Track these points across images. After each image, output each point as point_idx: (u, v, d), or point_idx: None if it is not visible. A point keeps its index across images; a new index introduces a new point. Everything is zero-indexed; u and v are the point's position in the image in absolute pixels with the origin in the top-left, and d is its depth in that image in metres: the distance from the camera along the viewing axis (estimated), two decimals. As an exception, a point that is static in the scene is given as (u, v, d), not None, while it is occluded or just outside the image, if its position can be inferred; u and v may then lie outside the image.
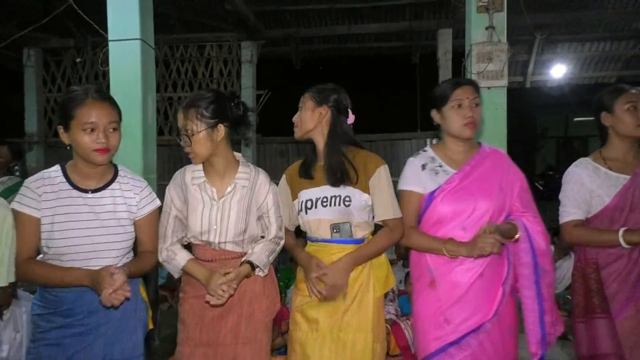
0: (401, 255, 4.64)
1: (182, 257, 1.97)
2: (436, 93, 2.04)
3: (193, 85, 7.11)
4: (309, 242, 2.13)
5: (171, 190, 2.02)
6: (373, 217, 2.08)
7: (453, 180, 1.98)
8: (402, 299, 4.04)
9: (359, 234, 2.03)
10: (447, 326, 1.94)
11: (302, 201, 2.08)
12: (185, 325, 2.01)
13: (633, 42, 6.83)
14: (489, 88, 3.49)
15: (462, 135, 2.00)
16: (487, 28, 3.48)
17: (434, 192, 1.98)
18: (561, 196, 2.20)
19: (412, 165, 2.06)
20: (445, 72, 6.56)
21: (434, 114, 2.06)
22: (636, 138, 2.14)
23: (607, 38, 6.99)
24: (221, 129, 1.94)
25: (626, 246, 2.03)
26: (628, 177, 2.10)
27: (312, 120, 2.08)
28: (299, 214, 2.10)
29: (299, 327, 2.05)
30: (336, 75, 8.57)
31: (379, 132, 7.05)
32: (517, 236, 1.92)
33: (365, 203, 2.01)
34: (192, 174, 2.02)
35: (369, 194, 2.01)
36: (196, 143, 1.92)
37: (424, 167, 2.03)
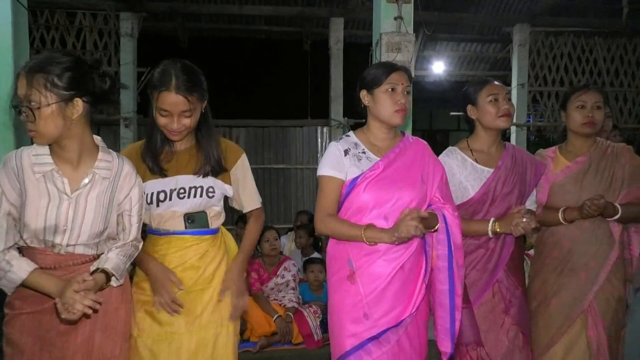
0: (301, 245, 4.60)
1: (21, 268, 1.54)
2: (370, 74, 1.95)
3: (62, 57, 6.29)
4: (153, 236, 1.91)
5: (1, 178, 1.56)
6: (229, 206, 2.06)
7: (377, 167, 1.90)
8: (302, 287, 4.03)
9: (214, 223, 1.95)
10: (366, 321, 1.85)
11: (152, 193, 1.85)
12: (18, 348, 1.61)
13: (501, 45, 7.52)
14: (396, 78, 3.55)
15: (391, 122, 1.93)
16: (395, 18, 3.53)
17: (356, 179, 1.88)
18: None
19: (334, 150, 1.94)
20: (336, 61, 6.63)
21: (364, 94, 1.96)
22: (498, 129, 2.22)
23: (479, 40, 7.62)
24: (78, 105, 1.57)
25: (492, 236, 2.11)
26: (491, 170, 2.18)
27: (197, 119, 1.85)
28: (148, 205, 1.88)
29: (146, 333, 1.82)
30: (225, 57, 8.26)
31: (269, 118, 6.91)
32: (437, 226, 1.90)
33: (223, 193, 1.96)
34: (34, 158, 1.59)
35: (230, 183, 1.96)
36: (42, 119, 1.51)
37: (346, 152, 1.92)
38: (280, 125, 6.80)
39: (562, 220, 2.25)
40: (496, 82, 2.23)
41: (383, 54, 3.49)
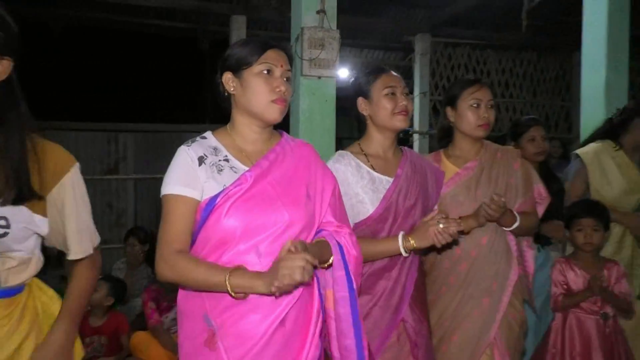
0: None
1: None
2: (237, 51, 1.46)
3: None
4: None
5: None
6: (44, 247, 1.36)
7: (244, 180, 1.38)
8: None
9: (15, 278, 1.27)
10: None
11: None
12: None
13: (402, 54, 7.56)
14: (319, 78, 3.21)
15: (266, 116, 1.43)
16: (318, 12, 3.18)
17: (215, 198, 1.35)
18: None
19: (184, 157, 1.40)
20: (238, 61, 6.14)
21: (228, 78, 1.45)
22: (394, 130, 1.86)
23: (381, 47, 7.60)
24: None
25: (406, 254, 1.75)
26: (391, 179, 1.82)
27: None
28: None
29: None
30: (110, 52, 7.34)
31: (162, 122, 6.23)
32: (330, 260, 1.44)
33: (33, 228, 1.27)
34: None
35: (43, 214, 1.27)
36: None
37: (201, 160, 1.39)
38: (175, 130, 6.12)
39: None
40: (393, 73, 1.88)
41: (305, 51, 3.12)
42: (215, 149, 1.43)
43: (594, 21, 3.74)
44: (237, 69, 1.43)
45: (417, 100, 6.83)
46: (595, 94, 3.72)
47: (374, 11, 6.55)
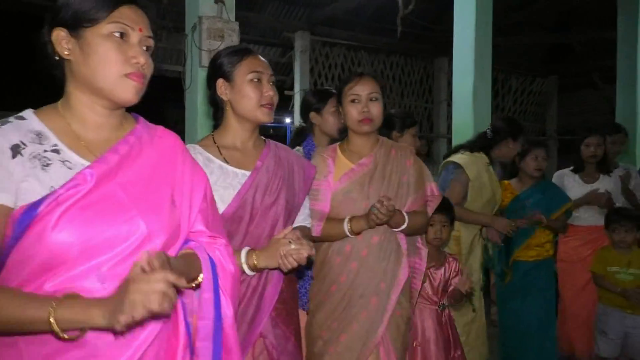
0: None
1: None
2: (81, 1, 1.09)
3: None
4: None
5: None
6: None
7: (82, 179, 1.03)
8: None
9: None
10: None
11: None
12: None
13: (282, 50, 7.61)
14: (218, 71, 3.10)
15: (116, 95, 1.09)
16: (216, 2, 3.09)
17: (38, 204, 0.99)
18: None
19: None
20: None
21: (60, 36, 1.07)
22: (257, 123, 1.68)
23: (261, 42, 7.55)
24: None
25: (251, 273, 1.56)
26: (248, 173, 1.64)
27: None
28: None
29: None
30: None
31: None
32: (199, 278, 1.18)
33: None
34: None
35: None
36: None
37: (16, 150, 1.01)
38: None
39: (348, 233, 1.88)
40: (260, 57, 1.68)
41: (204, 41, 3.01)
42: (39, 134, 1.04)
43: (462, 33, 4.16)
44: (76, 25, 1.06)
45: (297, 97, 6.94)
46: (464, 99, 4.15)
47: (254, 5, 6.52)
